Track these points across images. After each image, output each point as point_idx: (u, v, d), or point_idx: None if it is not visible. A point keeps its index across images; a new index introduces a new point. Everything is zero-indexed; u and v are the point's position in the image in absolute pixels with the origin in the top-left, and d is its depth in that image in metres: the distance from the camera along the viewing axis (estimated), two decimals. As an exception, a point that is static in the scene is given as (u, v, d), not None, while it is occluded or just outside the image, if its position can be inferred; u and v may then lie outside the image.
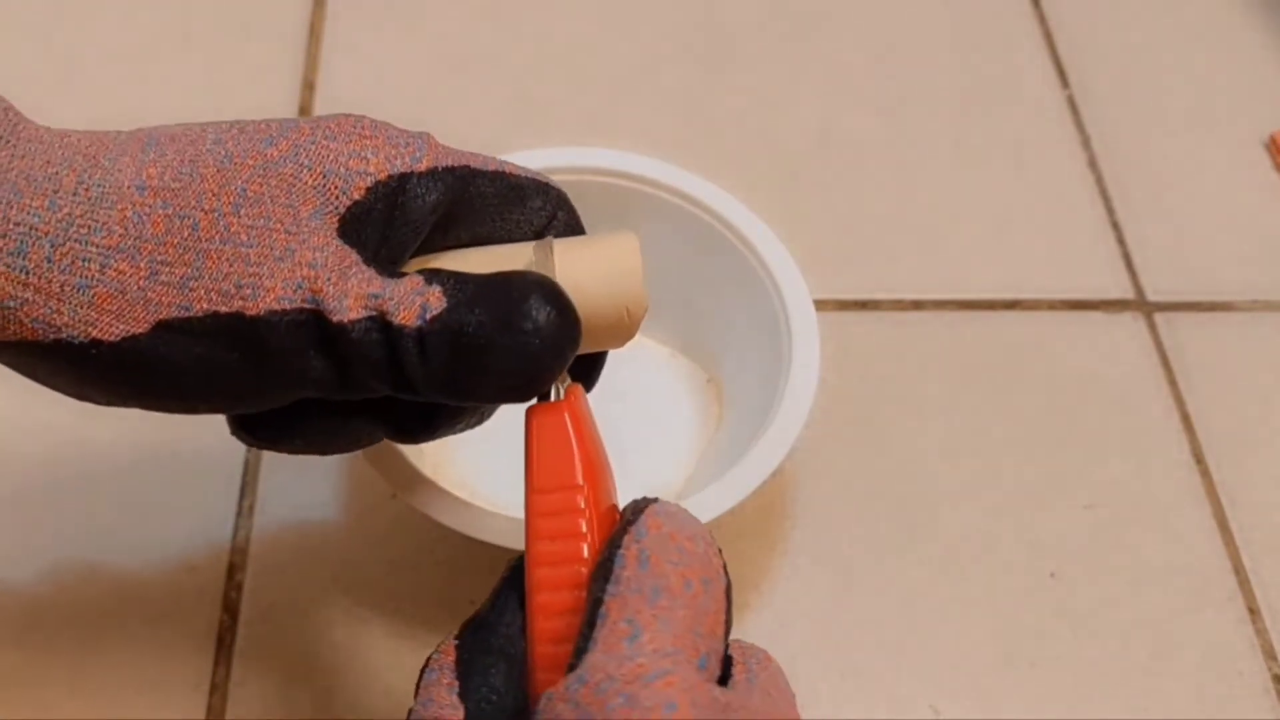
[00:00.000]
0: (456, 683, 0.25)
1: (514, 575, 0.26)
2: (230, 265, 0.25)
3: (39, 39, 0.56)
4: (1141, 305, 0.50)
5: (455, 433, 0.31)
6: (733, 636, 0.26)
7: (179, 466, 0.43)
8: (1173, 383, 0.47)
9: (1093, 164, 0.54)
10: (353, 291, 0.25)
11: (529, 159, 0.40)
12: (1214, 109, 0.57)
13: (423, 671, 0.25)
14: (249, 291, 0.25)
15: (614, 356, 0.31)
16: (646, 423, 0.44)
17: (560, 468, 0.26)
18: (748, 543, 0.42)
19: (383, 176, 0.26)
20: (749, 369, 0.41)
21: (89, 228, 0.25)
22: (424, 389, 0.26)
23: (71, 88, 0.54)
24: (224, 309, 0.25)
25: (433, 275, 0.26)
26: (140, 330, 0.25)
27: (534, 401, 0.27)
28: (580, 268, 0.27)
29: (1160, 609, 0.42)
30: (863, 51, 0.58)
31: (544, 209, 0.30)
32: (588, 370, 0.30)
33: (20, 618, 0.40)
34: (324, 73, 0.55)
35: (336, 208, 0.26)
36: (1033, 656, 0.41)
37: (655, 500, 0.26)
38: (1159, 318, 0.49)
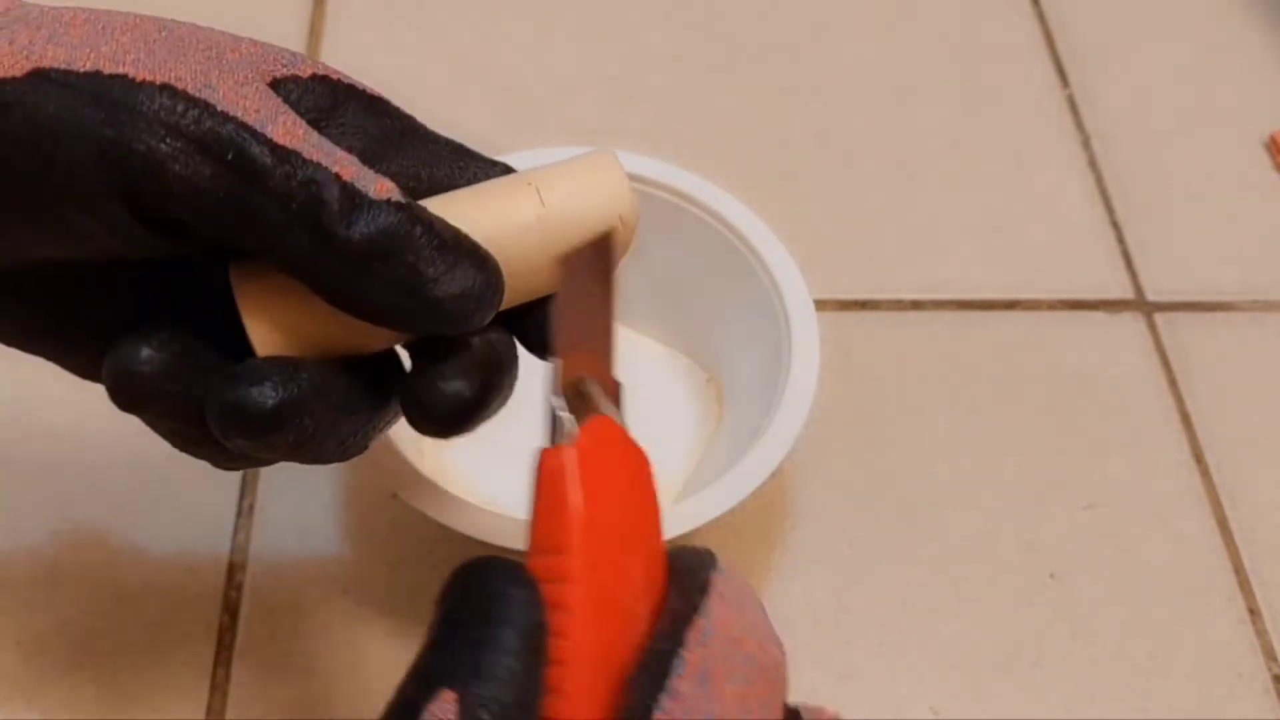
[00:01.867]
0: None
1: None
2: (133, 42, 0.24)
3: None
4: (1141, 305, 0.50)
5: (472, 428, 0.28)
6: None
7: (179, 467, 0.43)
8: (1173, 383, 0.47)
9: (1093, 164, 0.54)
10: (283, 121, 0.24)
11: (529, 159, 0.40)
12: (1214, 109, 0.57)
13: None
14: (145, 62, 0.24)
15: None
16: (646, 423, 0.43)
17: (553, 527, 0.22)
18: (748, 543, 0.42)
19: (307, 74, 0.26)
20: (749, 369, 0.41)
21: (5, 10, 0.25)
22: (324, 255, 0.24)
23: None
24: (108, 70, 0.24)
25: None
26: (17, 73, 0.23)
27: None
28: (568, 194, 0.28)
29: (1160, 609, 0.42)
30: (862, 51, 0.58)
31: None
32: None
33: (19, 618, 0.40)
34: (324, 73, 0.55)
35: (273, 72, 0.25)
36: (1033, 656, 0.41)
37: (714, 562, 0.23)
38: (1159, 318, 0.49)
